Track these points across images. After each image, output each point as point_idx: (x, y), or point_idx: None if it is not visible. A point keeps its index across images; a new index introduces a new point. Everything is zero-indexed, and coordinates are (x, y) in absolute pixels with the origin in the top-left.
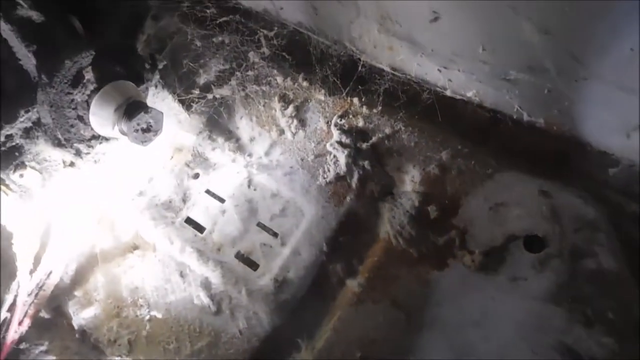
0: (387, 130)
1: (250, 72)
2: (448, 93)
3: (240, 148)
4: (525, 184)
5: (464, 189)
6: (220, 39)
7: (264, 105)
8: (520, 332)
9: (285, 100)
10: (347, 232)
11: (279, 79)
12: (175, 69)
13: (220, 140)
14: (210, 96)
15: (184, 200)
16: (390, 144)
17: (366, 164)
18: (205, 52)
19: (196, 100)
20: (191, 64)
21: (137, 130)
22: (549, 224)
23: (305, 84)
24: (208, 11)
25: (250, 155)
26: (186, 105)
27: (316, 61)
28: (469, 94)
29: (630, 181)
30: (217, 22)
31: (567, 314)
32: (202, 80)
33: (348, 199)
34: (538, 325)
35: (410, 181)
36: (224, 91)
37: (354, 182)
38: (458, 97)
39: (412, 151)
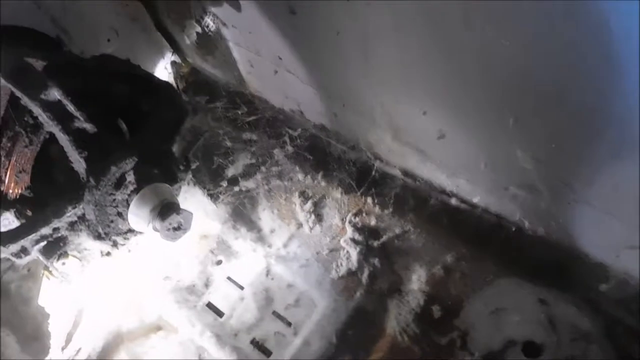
0: (397, 230)
1: (274, 168)
2: (454, 200)
3: (261, 238)
4: (525, 291)
5: (467, 291)
6: (248, 136)
7: (285, 200)
8: None
9: (304, 196)
10: (355, 325)
11: (300, 176)
12: (206, 165)
13: (243, 230)
14: (237, 189)
15: (206, 285)
16: (400, 244)
17: (376, 261)
18: (235, 148)
19: (223, 192)
20: (221, 161)
21: (168, 229)
22: (546, 332)
23: (323, 182)
24: (239, 111)
25: (270, 245)
26: (214, 196)
27: (334, 162)
28: (475, 200)
29: (625, 294)
30: (247, 120)
31: None
32: (230, 173)
33: (358, 293)
34: None
35: (417, 280)
36: (250, 184)
37: (365, 278)
38: (464, 203)
39: (420, 252)
